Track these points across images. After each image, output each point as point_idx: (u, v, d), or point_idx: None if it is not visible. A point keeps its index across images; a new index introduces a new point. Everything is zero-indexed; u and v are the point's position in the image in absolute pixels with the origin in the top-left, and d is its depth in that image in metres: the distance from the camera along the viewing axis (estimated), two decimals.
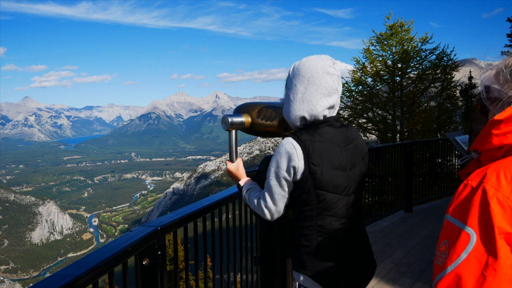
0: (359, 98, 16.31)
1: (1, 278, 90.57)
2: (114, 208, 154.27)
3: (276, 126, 2.03)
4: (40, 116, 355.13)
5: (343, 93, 16.55)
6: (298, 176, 1.61)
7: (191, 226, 2.38)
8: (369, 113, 16.00)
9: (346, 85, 16.53)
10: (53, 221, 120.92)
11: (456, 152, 8.31)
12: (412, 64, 15.93)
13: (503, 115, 1.03)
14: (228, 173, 2.02)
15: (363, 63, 16.26)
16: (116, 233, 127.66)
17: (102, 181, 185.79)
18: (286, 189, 1.67)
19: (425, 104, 16.35)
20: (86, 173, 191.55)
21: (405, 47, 15.50)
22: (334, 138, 1.68)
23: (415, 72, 16.14)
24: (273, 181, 1.66)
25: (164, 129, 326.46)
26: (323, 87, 1.65)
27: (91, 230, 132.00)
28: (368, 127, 16.23)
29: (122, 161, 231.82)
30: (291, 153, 1.59)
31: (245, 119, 2.02)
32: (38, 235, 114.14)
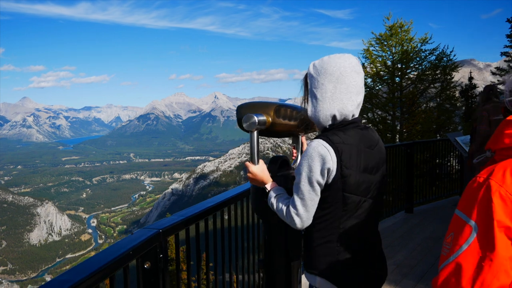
0: None
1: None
2: (112, 209, 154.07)
3: (297, 126, 1.99)
4: (38, 117, 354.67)
5: None
6: (330, 179, 1.58)
7: (192, 228, 2.31)
8: (369, 114, 15.98)
9: None
10: (51, 222, 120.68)
11: (456, 152, 8.29)
12: (411, 65, 15.91)
13: None
14: (251, 175, 1.91)
15: (363, 64, 16.25)
16: (114, 234, 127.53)
17: (101, 182, 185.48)
18: (319, 194, 1.61)
19: (425, 105, 16.34)
20: (85, 174, 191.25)
21: (404, 48, 15.48)
22: (362, 140, 1.65)
23: (415, 73, 16.12)
24: (305, 187, 1.59)
25: (163, 129, 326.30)
26: (353, 85, 1.63)
27: (90, 231, 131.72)
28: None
29: (121, 161, 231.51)
30: (324, 155, 1.55)
31: (266, 118, 1.95)
32: (36, 236, 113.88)
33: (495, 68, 19.45)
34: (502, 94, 5.45)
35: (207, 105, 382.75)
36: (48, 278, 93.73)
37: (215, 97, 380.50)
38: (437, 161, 9.19)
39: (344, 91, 1.62)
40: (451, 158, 8.65)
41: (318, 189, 1.59)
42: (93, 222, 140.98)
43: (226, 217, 2.72)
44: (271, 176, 1.93)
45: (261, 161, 1.93)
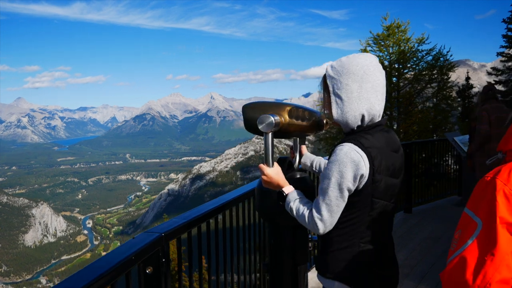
0: None
1: None
2: (108, 209, 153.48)
3: (310, 126, 1.96)
4: (33, 117, 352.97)
5: None
6: (361, 185, 1.55)
7: (193, 231, 2.26)
8: None
9: None
10: (46, 224, 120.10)
11: (454, 152, 8.28)
12: (408, 65, 15.96)
13: None
14: (266, 178, 1.82)
15: None
16: (110, 235, 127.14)
17: (96, 182, 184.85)
18: (346, 200, 1.57)
19: (422, 105, 16.36)
20: (80, 175, 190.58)
21: (401, 48, 15.52)
22: (388, 143, 1.63)
23: (412, 73, 16.16)
24: (334, 193, 1.53)
25: (159, 130, 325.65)
26: (377, 84, 1.60)
27: (85, 232, 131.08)
28: None
29: (117, 162, 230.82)
30: (357, 161, 1.50)
31: (280, 119, 1.89)
32: (31, 238, 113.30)
33: (491, 68, 19.51)
34: (499, 94, 5.43)
35: (203, 106, 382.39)
36: (43, 280, 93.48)
37: (211, 98, 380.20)
38: (435, 161, 9.18)
39: (370, 90, 1.58)
40: (448, 158, 8.64)
41: (346, 195, 1.55)
42: (89, 223, 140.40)
43: (227, 218, 2.67)
44: None
45: (275, 163, 1.86)
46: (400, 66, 15.87)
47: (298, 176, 2.12)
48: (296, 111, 1.94)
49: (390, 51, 15.78)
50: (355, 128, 1.62)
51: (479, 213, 1.07)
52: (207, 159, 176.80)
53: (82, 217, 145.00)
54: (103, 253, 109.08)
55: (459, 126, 16.87)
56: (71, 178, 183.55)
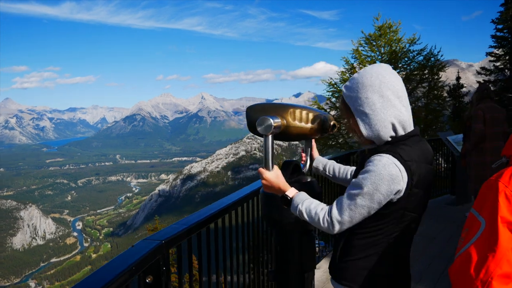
0: None
1: None
2: (98, 211, 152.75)
3: (314, 129, 1.90)
4: (21, 118, 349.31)
5: (332, 94, 16.58)
6: (396, 198, 1.49)
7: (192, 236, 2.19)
8: None
9: (335, 85, 16.55)
10: (35, 226, 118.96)
11: (445, 151, 8.31)
12: (400, 65, 16.00)
13: None
14: (266, 182, 1.77)
15: (352, 64, 16.30)
16: (100, 237, 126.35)
17: (86, 184, 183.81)
18: (372, 212, 1.50)
19: (413, 104, 16.43)
20: (70, 176, 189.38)
21: (393, 48, 15.57)
22: (424, 155, 1.56)
23: (403, 73, 16.21)
24: (362, 202, 1.47)
25: (150, 130, 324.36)
26: (398, 89, 1.54)
27: (75, 234, 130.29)
28: None
29: (107, 163, 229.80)
30: (395, 176, 1.44)
31: (281, 121, 1.85)
32: (19, 241, 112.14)
33: (480, 68, 19.66)
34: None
35: (194, 106, 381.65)
36: (32, 284, 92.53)
37: (202, 98, 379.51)
38: None
39: (392, 96, 1.52)
40: (440, 158, 8.66)
41: (374, 208, 1.49)
42: (79, 225, 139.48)
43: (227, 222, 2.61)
44: None
45: (275, 167, 1.80)
46: (392, 66, 15.78)
47: (305, 180, 2.07)
48: (300, 113, 1.88)
49: (382, 51, 15.82)
50: (390, 139, 1.54)
51: (482, 213, 1.16)
52: (198, 159, 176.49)
53: (72, 219, 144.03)
54: (94, 255, 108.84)
55: (450, 126, 16.98)
56: (60, 179, 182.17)
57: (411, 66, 16.03)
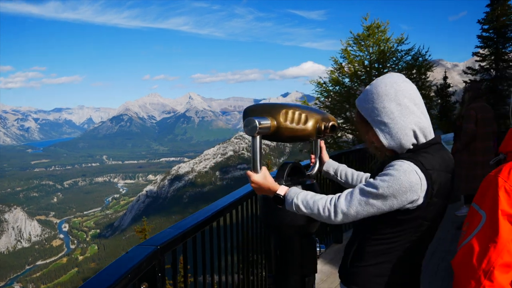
0: (337, 98, 16.39)
1: None
2: (85, 213, 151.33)
3: (309, 130, 1.84)
4: (5, 119, 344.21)
5: (320, 93, 16.62)
6: (412, 207, 1.45)
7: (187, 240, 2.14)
8: (347, 113, 16.09)
9: (324, 85, 16.57)
10: (20, 228, 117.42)
11: None
12: (388, 65, 16.11)
13: None
14: (255, 185, 1.75)
15: (341, 64, 16.36)
16: (87, 239, 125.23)
17: (73, 185, 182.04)
18: (380, 213, 1.48)
19: None
20: (56, 178, 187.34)
21: (381, 48, 15.67)
22: (445, 163, 1.53)
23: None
24: (374, 202, 1.44)
25: (137, 131, 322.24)
26: (414, 96, 1.52)
27: (61, 236, 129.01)
28: (345, 127, 16.33)
29: (93, 164, 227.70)
30: (414, 183, 1.40)
31: (270, 122, 1.80)
32: (4, 243, 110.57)
33: (467, 67, 19.87)
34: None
35: (182, 106, 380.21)
36: (17, 287, 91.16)
37: (189, 98, 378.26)
38: None
39: (409, 104, 1.50)
40: None
41: (385, 210, 1.45)
42: (65, 227, 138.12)
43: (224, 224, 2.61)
44: (279, 184, 1.77)
45: (263, 168, 1.77)
46: (380, 66, 15.99)
47: (305, 182, 2.02)
48: (292, 113, 1.83)
49: (370, 51, 15.91)
50: (411, 147, 1.51)
51: (483, 207, 1.22)
52: (185, 159, 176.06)
53: (58, 221, 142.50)
54: (80, 258, 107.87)
55: (438, 125, 17.11)
56: (46, 181, 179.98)
57: (399, 66, 16.16)
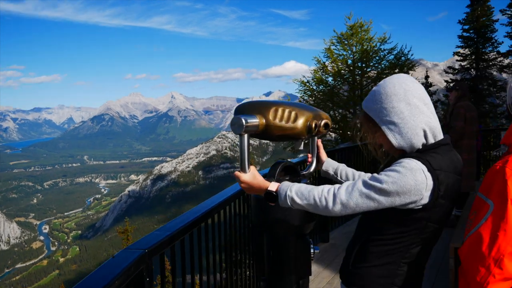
0: (320, 97, 16.42)
1: None
2: (66, 214, 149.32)
3: (299, 129, 1.77)
4: None
5: (304, 92, 16.63)
6: (416, 207, 1.43)
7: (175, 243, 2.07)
8: (330, 112, 16.14)
9: (307, 84, 16.59)
10: None
11: None
12: (371, 64, 16.24)
13: None
14: (245, 186, 1.70)
15: (324, 63, 16.40)
16: (68, 240, 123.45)
17: (53, 186, 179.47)
18: (379, 208, 1.44)
19: None
20: (35, 178, 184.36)
21: (364, 47, 15.77)
22: (453, 165, 1.50)
23: (375, 71, 16.45)
24: (376, 196, 1.41)
25: (118, 130, 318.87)
26: (423, 97, 1.50)
27: (41, 238, 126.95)
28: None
29: (74, 164, 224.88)
30: (420, 182, 1.37)
31: (259, 120, 1.74)
32: None
33: (447, 67, 20.17)
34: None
35: (164, 105, 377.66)
36: None
37: (172, 97, 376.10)
38: None
39: (419, 103, 1.48)
40: None
41: (385, 205, 1.42)
42: (45, 228, 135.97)
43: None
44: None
45: (251, 167, 1.73)
46: (363, 65, 16.12)
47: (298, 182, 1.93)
48: (282, 111, 1.77)
49: (354, 50, 16.00)
50: (421, 147, 1.49)
51: (490, 196, 1.24)
52: (168, 159, 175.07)
53: (38, 222, 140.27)
54: (61, 259, 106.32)
55: None
56: (25, 182, 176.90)
57: (382, 65, 16.30)
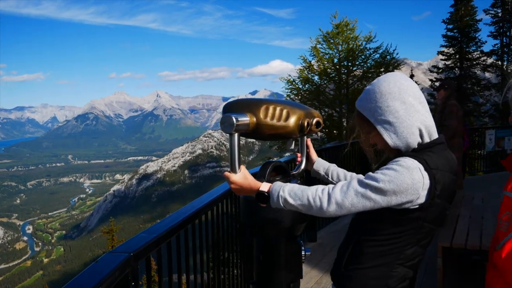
0: (306, 96, 16.44)
1: None
2: (50, 214, 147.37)
3: (291, 128, 1.73)
4: None
5: (290, 91, 16.62)
6: (412, 206, 1.40)
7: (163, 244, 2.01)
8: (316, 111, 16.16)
9: (293, 82, 16.59)
10: None
11: None
12: (357, 62, 16.31)
13: None
14: (235, 186, 1.64)
15: (310, 61, 16.41)
16: (53, 240, 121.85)
17: (36, 186, 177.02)
18: (376, 207, 1.40)
19: None
20: (18, 178, 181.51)
21: (350, 46, 15.83)
22: (450, 165, 1.48)
23: (360, 70, 16.52)
24: (372, 195, 1.37)
25: (103, 129, 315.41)
26: (418, 95, 1.48)
27: (25, 238, 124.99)
28: None
29: (58, 164, 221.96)
30: (417, 181, 1.35)
31: (249, 119, 1.68)
32: None
33: (432, 66, 20.36)
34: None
35: (149, 104, 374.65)
36: None
37: (157, 96, 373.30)
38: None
39: (414, 102, 1.46)
40: None
41: (382, 205, 1.38)
42: (29, 229, 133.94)
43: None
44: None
45: (242, 167, 1.66)
46: (349, 64, 16.19)
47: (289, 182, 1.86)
48: (273, 109, 1.71)
49: (340, 48, 16.04)
50: (416, 146, 1.47)
51: None
52: (154, 158, 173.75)
53: (21, 222, 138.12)
54: (46, 260, 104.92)
55: None
56: (8, 182, 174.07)
57: (368, 64, 16.37)
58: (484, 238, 3.24)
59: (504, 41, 19.02)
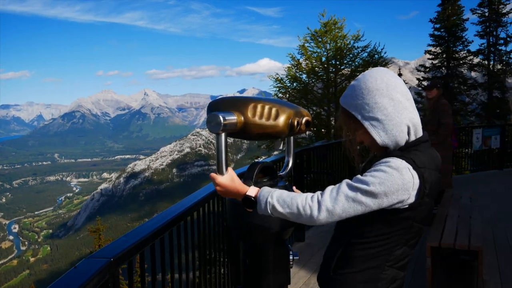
0: (295, 95, 16.41)
1: None
2: (36, 213, 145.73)
3: (280, 127, 1.67)
4: None
5: (278, 89, 16.59)
6: (402, 206, 1.37)
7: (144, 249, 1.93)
8: None
9: (281, 81, 16.56)
10: None
11: None
12: (345, 61, 16.33)
13: None
14: (220, 189, 1.58)
15: (298, 60, 16.40)
16: (39, 240, 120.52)
17: (22, 184, 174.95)
18: (367, 211, 1.36)
19: None
20: (4, 177, 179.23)
21: (338, 44, 15.86)
22: (435, 162, 1.46)
23: (348, 69, 16.55)
24: (363, 199, 1.33)
25: (90, 128, 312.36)
26: (406, 92, 1.44)
27: (11, 237, 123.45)
28: None
29: (44, 162, 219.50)
30: (407, 181, 1.32)
31: (237, 118, 1.62)
32: None
33: (419, 65, 20.50)
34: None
35: (137, 102, 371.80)
36: None
37: (145, 94, 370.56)
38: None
39: (402, 99, 1.42)
40: None
41: (373, 208, 1.35)
42: (15, 228, 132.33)
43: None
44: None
45: (229, 169, 1.60)
46: (337, 63, 16.20)
47: (279, 185, 1.84)
48: (262, 108, 1.65)
49: (328, 47, 16.05)
50: (404, 144, 1.43)
51: None
52: (141, 157, 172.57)
53: (7, 222, 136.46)
54: (32, 259, 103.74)
55: None
56: None
57: (356, 63, 16.40)
58: (472, 238, 3.23)
59: (491, 40, 19.17)
